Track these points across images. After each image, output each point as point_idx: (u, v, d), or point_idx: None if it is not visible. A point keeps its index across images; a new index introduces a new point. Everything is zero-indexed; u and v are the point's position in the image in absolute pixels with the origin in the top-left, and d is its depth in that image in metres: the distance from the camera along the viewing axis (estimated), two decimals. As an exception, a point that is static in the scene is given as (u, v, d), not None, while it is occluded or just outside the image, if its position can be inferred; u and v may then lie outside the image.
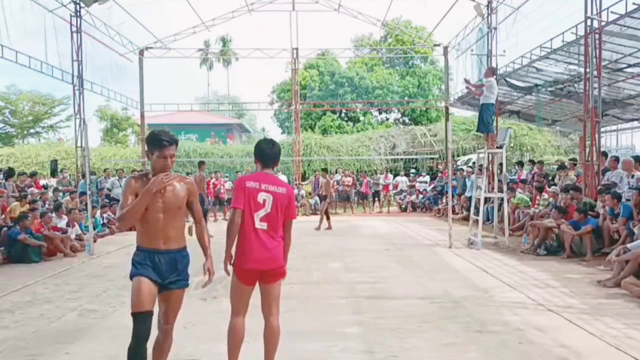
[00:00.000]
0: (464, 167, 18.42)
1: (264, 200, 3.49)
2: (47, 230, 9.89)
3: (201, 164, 13.97)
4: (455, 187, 16.50)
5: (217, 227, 15.64)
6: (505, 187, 11.27)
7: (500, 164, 11.04)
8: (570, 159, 14.73)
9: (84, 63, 16.07)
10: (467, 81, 12.37)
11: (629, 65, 13.23)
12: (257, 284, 3.62)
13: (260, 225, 3.48)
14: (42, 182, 15.88)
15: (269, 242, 3.51)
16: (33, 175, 14.92)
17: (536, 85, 16.30)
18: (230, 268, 3.57)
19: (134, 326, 3.13)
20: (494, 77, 11.44)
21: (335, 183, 19.71)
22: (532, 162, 15.79)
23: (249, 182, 3.52)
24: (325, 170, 15.79)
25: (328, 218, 14.14)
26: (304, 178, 21.61)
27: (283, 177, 19.39)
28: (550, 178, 13.57)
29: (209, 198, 17.86)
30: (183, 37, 20.92)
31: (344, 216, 18.48)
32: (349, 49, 28.64)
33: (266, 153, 3.64)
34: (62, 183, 15.97)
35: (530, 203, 12.19)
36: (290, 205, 3.60)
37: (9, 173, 12.86)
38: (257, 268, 3.52)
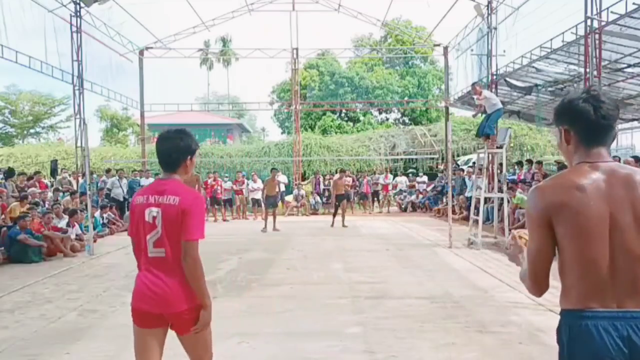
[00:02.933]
0: (464, 167, 18.43)
1: (153, 218, 2.58)
2: (47, 230, 9.90)
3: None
4: (454, 187, 16.51)
5: (217, 227, 15.68)
6: (505, 187, 11.27)
7: (500, 164, 11.04)
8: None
9: (84, 63, 16.07)
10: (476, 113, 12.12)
11: (629, 65, 13.22)
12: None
13: (154, 252, 2.58)
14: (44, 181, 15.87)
15: (163, 276, 2.56)
16: (36, 174, 14.91)
17: (536, 85, 16.29)
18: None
19: None
20: (483, 90, 11.28)
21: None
22: (529, 162, 15.76)
23: (137, 199, 2.69)
24: (343, 171, 16.19)
25: (334, 216, 14.54)
26: (304, 178, 21.61)
27: (283, 177, 19.43)
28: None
29: (207, 199, 17.87)
30: (183, 37, 20.94)
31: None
32: (349, 49, 28.67)
33: (158, 151, 2.71)
34: (62, 183, 15.96)
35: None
36: (184, 219, 2.52)
37: (9, 173, 12.86)
38: (144, 309, 2.59)
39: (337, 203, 14.66)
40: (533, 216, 1.80)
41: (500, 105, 10.84)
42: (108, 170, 17.60)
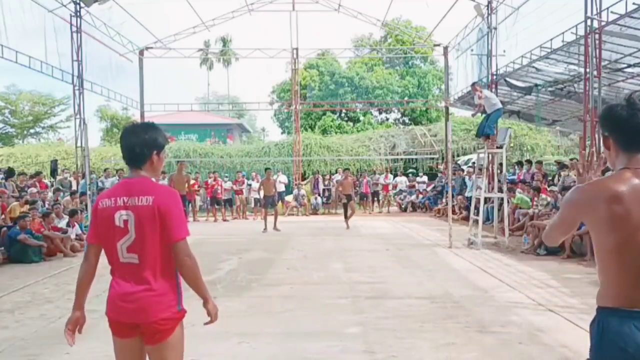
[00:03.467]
0: (464, 168, 18.42)
1: (125, 222, 2.38)
2: (48, 230, 9.90)
3: (179, 163, 14.10)
4: (454, 187, 16.51)
5: (218, 227, 15.69)
6: (505, 187, 11.27)
7: (500, 164, 11.04)
8: (571, 159, 14.73)
9: (84, 63, 16.07)
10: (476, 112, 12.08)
11: (629, 65, 13.23)
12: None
13: (127, 258, 2.40)
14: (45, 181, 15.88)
15: (138, 285, 2.38)
16: (37, 174, 14.91)
17: (536, 85, 16.29)
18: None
19: None
20: (483, 90, 11.26)
21: (335, 183, 19.76)
22: (528, 162, 15.73)
23: (101, 202, 2.45)
24: (347, 169, 16.18)
25: (350, 216, 14.41)
26: (303, 178, 21.61)
27: (283, 177, 19.44)
28: (550, 178, 13.56)
29: (208, 199, 17.87)
30: (183, 37, 20.94)
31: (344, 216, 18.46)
32: (349, 49, 28.68)
33: (122, 146, 2.50)
34: (62, 183, 15.96)
35: (530, 204, 12.19)
36: (165, 220, 2.35)
37: (9, 173, 12.86)
38: (119, 320, 2.45)
39: (345, 203, 14.49)
40: (567, 204, 1.98)
41: (500, 105, 10.85)
42: (105, 170, 17.62)
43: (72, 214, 11.08)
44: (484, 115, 11.09)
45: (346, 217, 14.32)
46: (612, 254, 1.82)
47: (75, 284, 2.53)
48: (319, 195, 19.85)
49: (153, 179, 2.53)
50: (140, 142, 2.46)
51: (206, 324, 2.57)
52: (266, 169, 14.74)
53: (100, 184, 16.26)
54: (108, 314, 2.48)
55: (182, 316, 2.49)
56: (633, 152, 1.86)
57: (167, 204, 2.38)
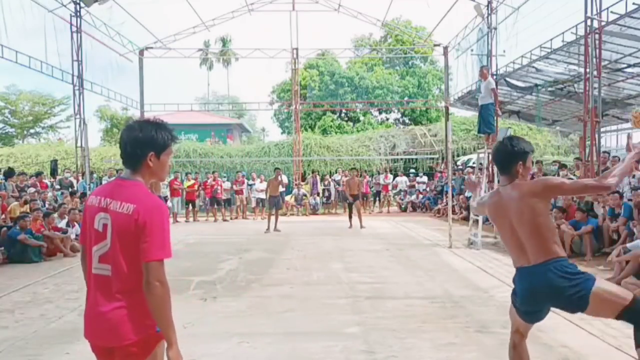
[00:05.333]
0: (467, 168, 18.41)
1: (104, 226, 2.11)
2: (48, 230, 9.90)
3: (276, 170, 14.29)
4: (454, 187, 16.51)
5: (217, 227, 15.69)
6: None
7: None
8: (575, 158, 14.72)
9: (84, 63, 16.10)
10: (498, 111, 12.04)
11: (629, 65, 13.24)
12: None
13: (99, 268, 2.11)
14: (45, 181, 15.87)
15: (107, 300, 2.07)
16: (38, 174, 14.91)
17: (536, 85, 16.30)
18: None
19: None
20: (492, 76, 11.39)
21: (335, 183, 19.76)
22: None
23: (90, 199, 2.22)
24: (355, 169, 16.23)
25: (360, 216, 14.29)
26: (303, 178, 21.61)
27: (283, 177, 19.43)
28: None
29: (207, 199, 17.84)
30: (183, 37, 20.97)
31: (344, 216, 18.46)
32: (349, 49, 28.66)
33: (120, 143, 2.21)
34: (62, 183, 15.96)
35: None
36: (141, 234, 2.03)
37: (9, 173, 12.86)
38: (91, 341, 2.17)
39: (350, 203, 14.39)
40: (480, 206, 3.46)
41: (491, 100, 10.75)
42: (109, 169, 17.59)
43: (71, 212, 11.08)
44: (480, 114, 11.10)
45: (350, 217, 14.29)
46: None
47: (81, 283, 2.40)
48: (318, 195, 19.85)
49: (148, 185, 2.23)
50: (132, 140, 2.15)
51: None
52: (275, 169, 14.74)
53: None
54: (84, 333, 2.19)
55: (160, 338, 2.12)
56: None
57: (147, 218, 2.04)
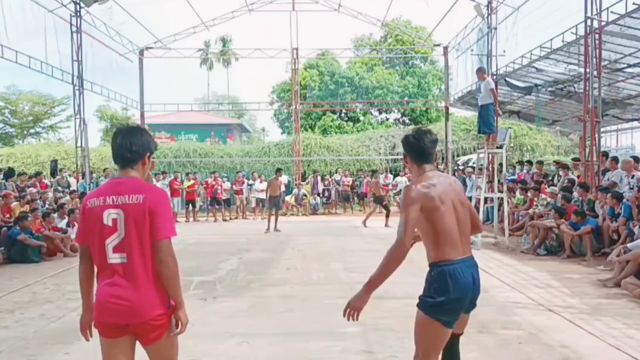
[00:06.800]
0: (468, 168, 18.41)
1: (114, 221, 2.40)
2: (48, 230, 9.90)
3: (278, 171, 14.60)
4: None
5: (218, 227, 15.69)
6: (505, 187, 11.27)
7: (500, 164, 11.04)
8: (572, 159, 14.73)
9: (84, 63, 16.07)
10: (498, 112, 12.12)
11: (629, 65, 13.23)
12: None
13: (115, 258, 2.40)
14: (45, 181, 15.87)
15: (128, 284, 2.39)
16: (37, 174, 14.91)
17: (536, 85, 16.29)
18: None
19: None
20: (489, 76, 11.41)
21: (335, 183, 19.76)
22: (529, 162, 15.67)
23: (90, 201, 2.47)
24: (376, 171, 16.77)
25: (387, 215, 14.44)
26: (303, 178, 21.61)
27: (283, 178, 19.43)
28: (550, 178, 13.54)
29: (207, 199, 17.85)
30: (183, 37, 20.94)
31: (344, 216, 18.48)
32: (349, 49, 28.64)
33: (116, 146, 2.56)
34: (60, 183, 15.95)
35: (525, 203, 12.20)
36: (153, 218, 2.39)
37: (9, 173, 12.85)
38: (109, 322, 2.45)
39: (385, 205, 14.73)
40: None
41: (491, 101, 10.76)
42: (104, 170, 17.63)
43: (71, 213, 11.08)
44: (479, 114, 11.10)
45: (387, 217, 14.38)
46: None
47: (78, 284, 2.59)
48: (319, 195, 19.84)
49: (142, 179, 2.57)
50: (138, 141, 2.52)
51: (175, 334, 2.51)
52: (277, 169, 14.77)
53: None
54: (97, 318, 2.48)
55: (172, 313, 2.50)
56: (420, 164, 2.83)
57: (157, 203, 2.41)
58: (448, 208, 2.72)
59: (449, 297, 2.67)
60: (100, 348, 2.53)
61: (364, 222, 14.49)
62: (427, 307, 2.71)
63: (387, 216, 14.39)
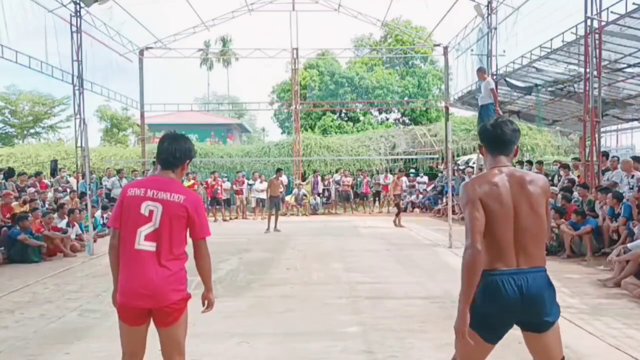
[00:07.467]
0: (468, 168, 18.40)
1: (150, 212, 2.68)
2: (48, 231, 9.89)
3: (278, 171, 14.65)
4: (454, 187, 16.50)
5: (218, 227, 15.68)
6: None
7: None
8: (573, 159, 14.74)
9: (84, 63, 16.07)
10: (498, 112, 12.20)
11: (629, 65, 13.23)
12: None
13: (144, 245, 2.66)
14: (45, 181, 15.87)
15: (155, 270, 2.66)
16: (37, 174, 14.91)
17: (536, 85, 16.29)
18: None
19: None
20: (489, 76, 11.42)
21: (335, 183, 19.76)
22: (529, 162, 15.65)
23: (131, 190, 2.76)
24: (401, 171, 17.10)
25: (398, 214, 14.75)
26: (303, 178, 21.62)
27: (283, 178, 19.43)
28: (550, 178, 13.54)
29: (207, 199, 17.86)
30: (183, 37, 20.93)
31: (344, 216, 18.48)
32: (349, 49, 28.63)
33: (162, 149, 2.85)
34: (59, 183, 15.95)
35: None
36: (193, 219, 2.74)
37: (9, 173, 12.85)
38: (134, 305, 2.69)
39: (397, 202, 15.02)
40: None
41: (490, 101, 10.77)
42: (106, 169, 17.62)
43: (71, 213, 11.08)
44: (479, 114, 11.12)
45: (397, 216, 14.59)
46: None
47: (110, 268, 2.88)
48: (319, 195, 19.84)
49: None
50: (181, 148, 2.84)
51: (204, 311, 2.98)
52: (278, 169, 14.80)
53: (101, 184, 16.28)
54: (122, 301, 2.73)
55: (190, 297, 2.82)
56: (495, 155, 2.58)
57: (195, 206, 2.77)
58: (506, 212, 2.46)
59: (486, 310, 2.45)
60: (119, 333, 2.81)
61: (399, 223, 14.40)
62: (471, 316, 2.45)
63: (397, 214, 14.65)
